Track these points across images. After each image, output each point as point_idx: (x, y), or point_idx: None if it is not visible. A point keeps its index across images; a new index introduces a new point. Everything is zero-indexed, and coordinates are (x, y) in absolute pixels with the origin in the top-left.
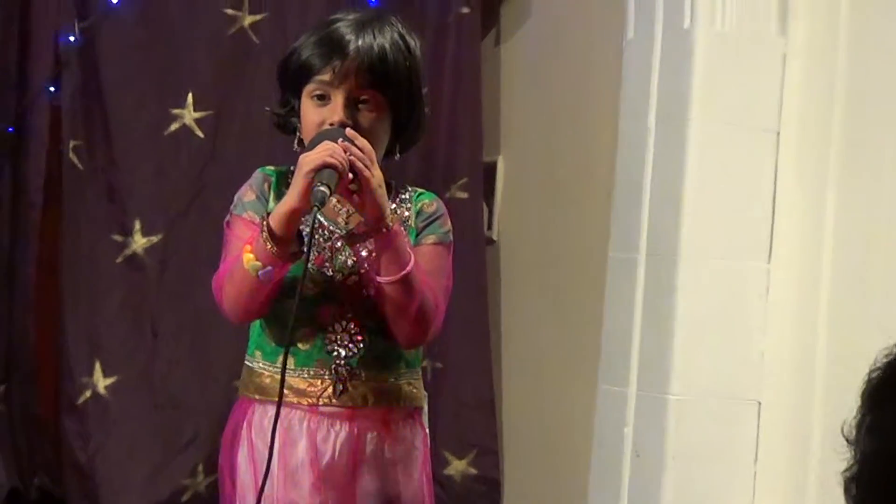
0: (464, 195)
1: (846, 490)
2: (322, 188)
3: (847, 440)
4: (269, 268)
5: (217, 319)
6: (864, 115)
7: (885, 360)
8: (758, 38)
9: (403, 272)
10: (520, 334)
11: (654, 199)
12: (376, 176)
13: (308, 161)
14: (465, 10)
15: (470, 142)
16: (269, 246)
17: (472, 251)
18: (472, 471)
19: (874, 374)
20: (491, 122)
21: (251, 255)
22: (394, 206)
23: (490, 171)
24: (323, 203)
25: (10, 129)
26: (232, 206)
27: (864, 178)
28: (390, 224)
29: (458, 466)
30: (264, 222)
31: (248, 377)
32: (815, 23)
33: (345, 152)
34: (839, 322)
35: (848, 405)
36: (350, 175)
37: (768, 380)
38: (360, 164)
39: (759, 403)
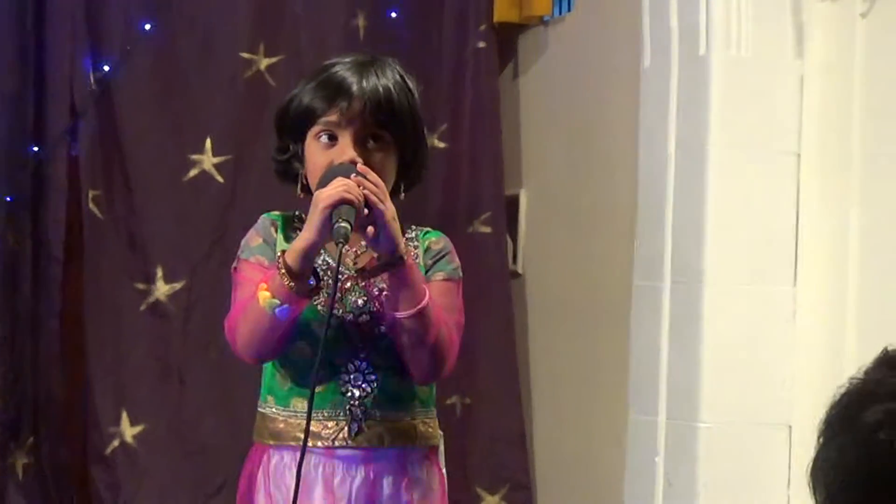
0: (487, 229)
1: None
2: (343, 224)
3: (809, 484)
4: (286, 305)
5: (244, 364)
6: (883, 133)
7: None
8: (774, 62)
9: (421, 305)
10: (548, 366)
11: (676, 225)
12: (389, 209)
13: (325, 197)
14: (482, 44)
15: (491, 175)
16: (287, 282)
17: (498, 285)
18: None
19: (823, 421)
20: (512, 155)
21: (267, 293)
22: None
23: (513, 204)
24: (347, 239)
25: (30, 183)
26: (239, 252)
27: (887, 197)
28: (404, 256)
29: (490, 502)
30: (280, 259)
31: (262, 423)
32: (831, 44)
33: (358, 187)
34: (867, 342)
35: None
36: (366, 210)
37: (798, 404)
38: (374, 198)
39: (790, 428)
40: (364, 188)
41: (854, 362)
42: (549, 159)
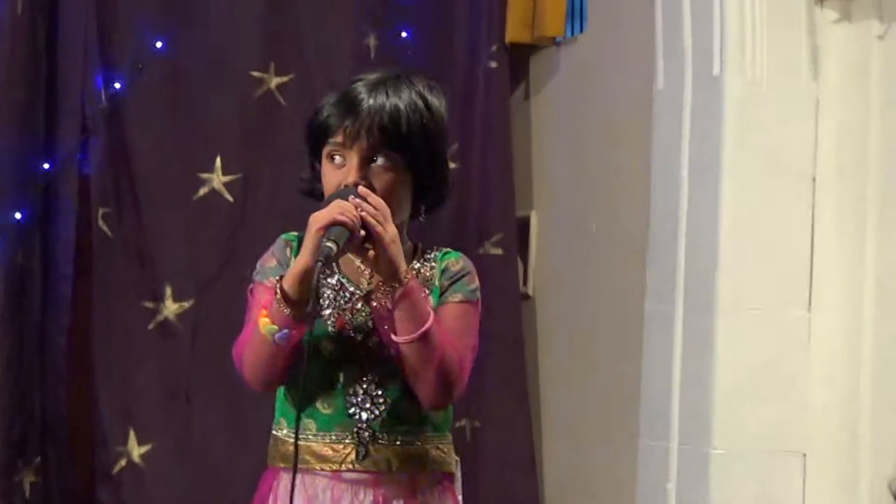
0: (498, 251)
1: None
2: (328, 244)
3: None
4: (286, 330)
5: None
6: None
7: None
8: (789, 84)
9: (421, 330)
10: (558, 390)
11: (689, 249)
12: (389, 232)
13: (317, 220)
14: (494, 64)
15: (502, 197)
16: (283, 308)
17: (508, 307)
18: None
19: None
20: (523, 177)
21: (266, 319)
22: (417, 265)
23: (524, 225)
24: (329, 259)
25: (39, 199)
26: (254, 273)
27: None
28: (404, 280)
29: None
30: (277, 284)
31: (275, 446)
32: (847, 67)
33: (356, 209)
34: (883, 369)
35: (894, 455)
36: (363, 232)
37: (813, 431)
38: (371, 220)
39: (805, 455)
40: (362, 210)
41: (870, 388)
42: (561, 181)
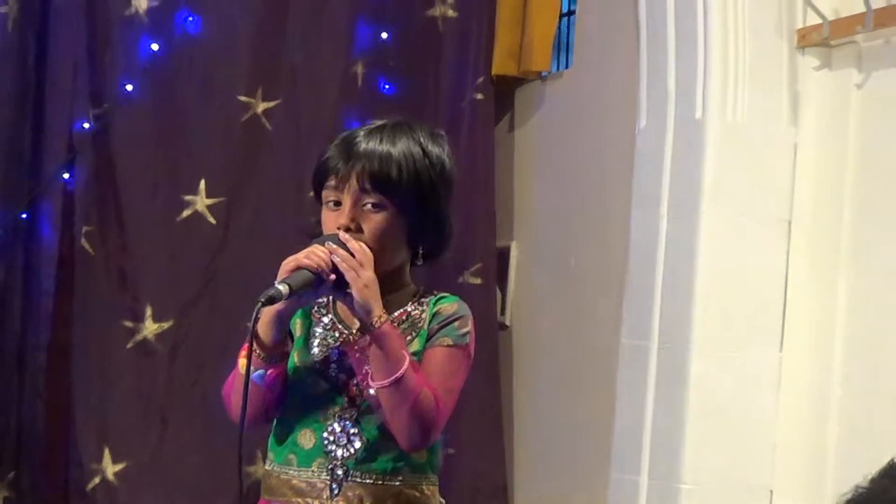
0: (477, 280)
1: None
2: (279, 286)
3: None
4: (261, 371)
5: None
6: (874, 204)
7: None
8: (769, 129)
9: (393, 377)
10: (532, 420)
11: (666, 287)
12: (363, 277)
13: (285, 263)
14: (479, 96)
15: (483, 227)
16: (256, 349)
17: (485, 337)
18: None
19: None
20: (504, 208)
21: (244, 360)
22: (410, 308)
23: (503, 256)
24: (270, 300)
25: (23, 215)
26: None
27: (876, 267)
28: (375, 324)
29: None
30: (254, 329)
31: (264, 480)
32: (825, 113)
33: (330, 254)
34: (851, 411)
35: None
36: (333, 276)
37: (780, 468)
38: (344, 265)
39: (771, 492)
40: (335, 255)
41: (837, 429)
42: (542, 213)
